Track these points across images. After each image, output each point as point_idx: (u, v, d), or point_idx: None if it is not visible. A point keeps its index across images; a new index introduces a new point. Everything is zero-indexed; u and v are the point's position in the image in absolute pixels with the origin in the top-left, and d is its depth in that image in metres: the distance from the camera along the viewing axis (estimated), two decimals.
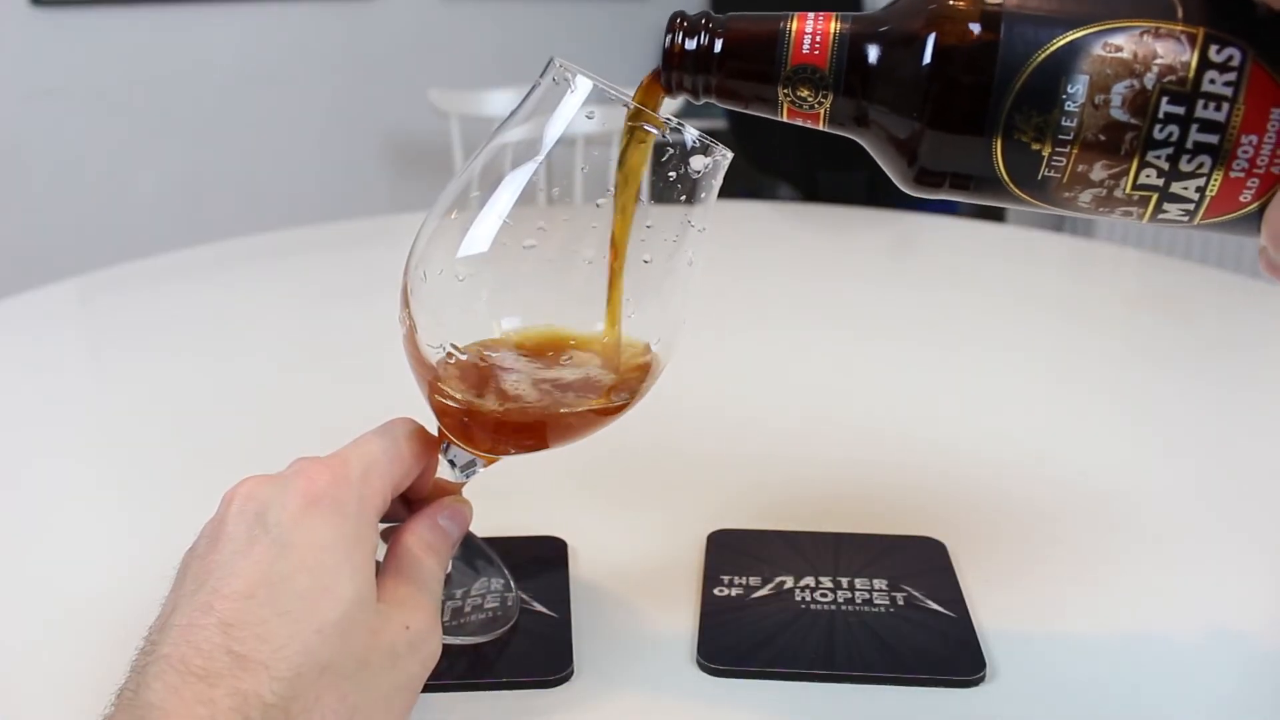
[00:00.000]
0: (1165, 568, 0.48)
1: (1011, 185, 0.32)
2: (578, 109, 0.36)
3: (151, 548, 0.38)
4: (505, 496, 0.44)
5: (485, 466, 0.41)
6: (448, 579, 0.42)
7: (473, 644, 0.41)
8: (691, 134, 0.36)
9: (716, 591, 0.44)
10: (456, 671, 0.39)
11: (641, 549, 0.49)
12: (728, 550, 0.47)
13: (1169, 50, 0.29)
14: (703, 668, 0.40)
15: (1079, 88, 0.30)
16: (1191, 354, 0.78)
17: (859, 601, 0.43)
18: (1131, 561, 0.48)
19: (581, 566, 0.47)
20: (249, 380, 0.72)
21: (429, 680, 0.36)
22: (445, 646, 0.39)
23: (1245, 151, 0.29)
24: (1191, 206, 0.31)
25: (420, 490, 0.40)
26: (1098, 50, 0.30)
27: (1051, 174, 0.31)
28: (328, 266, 1.04)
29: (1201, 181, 0.30)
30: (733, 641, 0.41)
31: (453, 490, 0.41)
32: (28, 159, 2.04)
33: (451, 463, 0.40)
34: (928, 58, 0.32)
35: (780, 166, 2.36)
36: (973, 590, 0.44)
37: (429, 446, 0.39)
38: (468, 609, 0.42)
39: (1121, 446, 0.61)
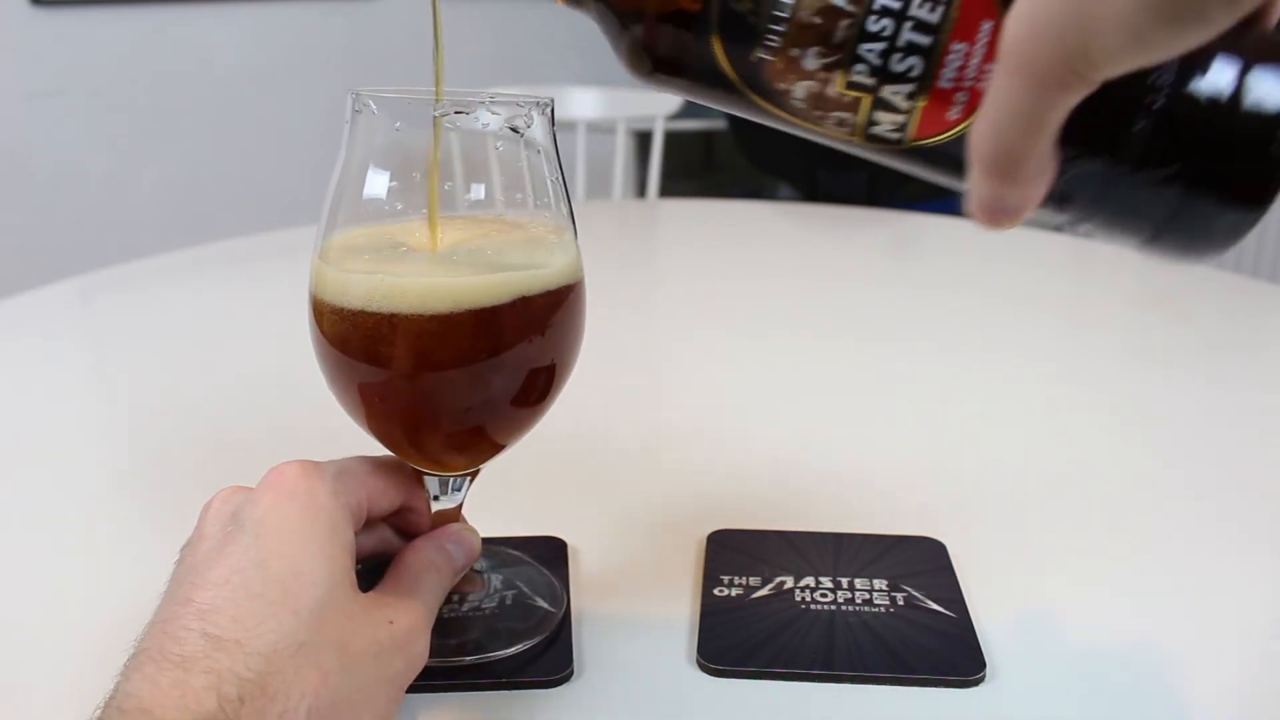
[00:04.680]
0: (1165, 568, 0.48)
1: (727, 66, 0.30)
2: (389, 126, 0.37)
3: (152, 547, 0.38)
4: (505, 496, 0.44)
5: (471, 482, 0.41)
6: (472, 595, 0.42)
7: (503, 656, 0.40)
8: (495, 117, 0.36)
9: (716, 591, 0.44)
10: (457, 672, 0.39)
11: (641, 549, 0.49)
12: (728, 550, 0.47)
13: None
14: (703, 668, 0.40)
15: None
16: (1191, 354, 0.78)
17: (859, 601, 0.43)
18: (1131, 561, 0.48)
19: (581, 566, 0.47)
20: (249, 380, 0.72)
21: (430, 680, 0.36)
22: (447, 645, 0.39)
23: (954, 60, 0.28)
24: (902, 119, 0.29)
25: (419, 525, 0.41)
26: None
27: (766, 56, 0.30)
28: None
29: (912, 87, 0.29)
30: (733, 641, 0.41)
31: (454, 519, 0.41)
32: (28, 159, 2.04)
33: (436, 498, 0.41)
34: None
35: (780, 166, 2.35)
36: (973, 590, 0.44)
37: (410, 475, 0.40)
38: (469, 609, 0.42)
39: (1122, 447, 0.61)
